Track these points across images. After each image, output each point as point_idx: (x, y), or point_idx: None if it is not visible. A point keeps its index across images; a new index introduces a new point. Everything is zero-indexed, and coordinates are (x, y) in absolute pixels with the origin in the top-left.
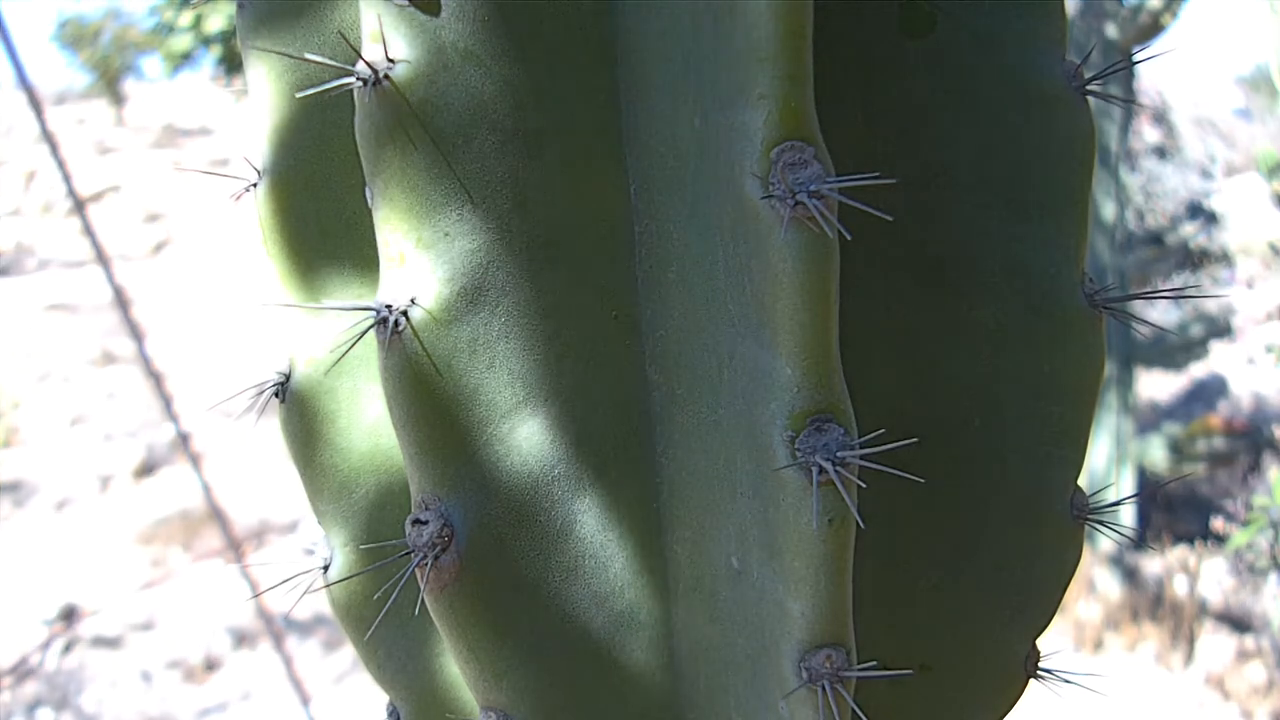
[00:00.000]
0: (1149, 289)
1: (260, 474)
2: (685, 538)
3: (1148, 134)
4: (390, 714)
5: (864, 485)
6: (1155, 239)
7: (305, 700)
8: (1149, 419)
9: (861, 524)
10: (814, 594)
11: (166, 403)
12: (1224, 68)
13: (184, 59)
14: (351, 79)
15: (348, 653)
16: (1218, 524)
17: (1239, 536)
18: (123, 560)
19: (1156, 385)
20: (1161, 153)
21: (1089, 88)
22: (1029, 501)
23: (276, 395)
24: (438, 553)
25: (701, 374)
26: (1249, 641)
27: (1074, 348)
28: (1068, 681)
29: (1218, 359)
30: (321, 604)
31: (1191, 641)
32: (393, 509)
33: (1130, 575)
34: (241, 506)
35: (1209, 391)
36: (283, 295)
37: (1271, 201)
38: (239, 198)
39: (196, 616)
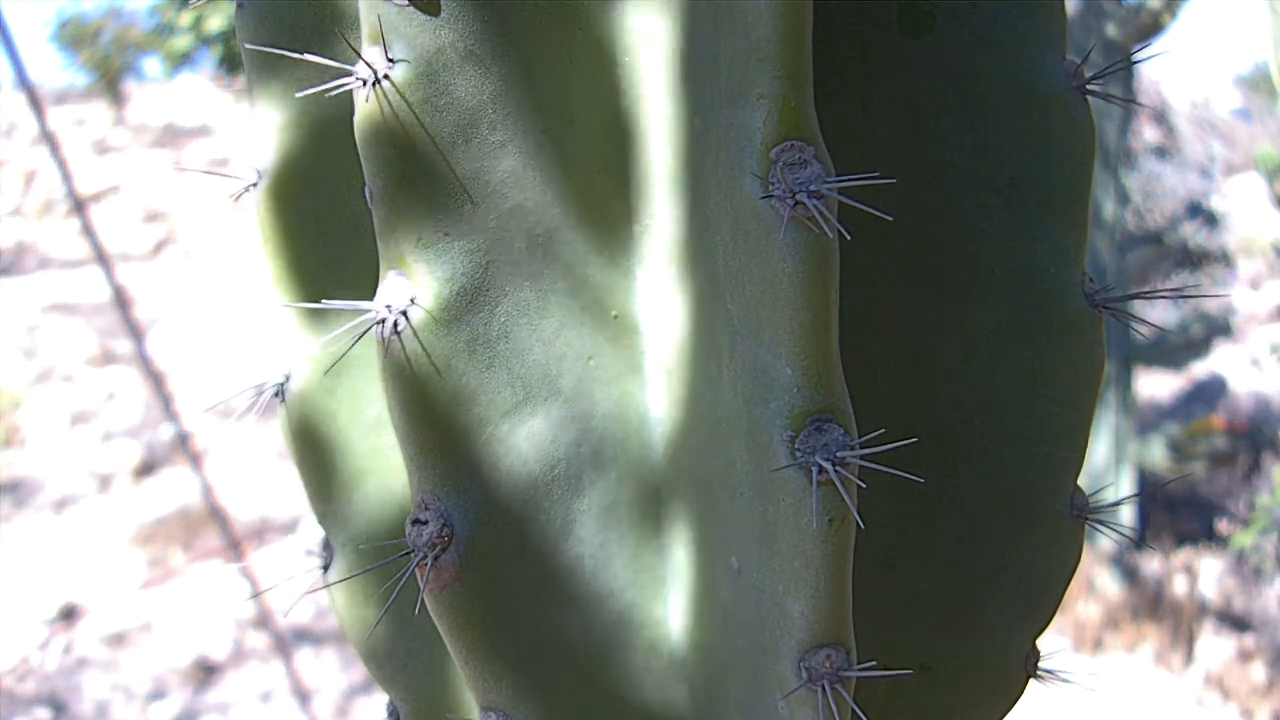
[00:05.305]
0: (1149, 289)
1: (260, 474)
2: (685, 538)
3: (1148, 134)
4: (390, 714)
5: (864, 485)
6: (1155, 239)
7: (306, 699)
8: (1149, 419)
9: (861, 524)
10: (814, 594)
11: (166, 403)
12: (1224, 68)
13: (184, 59)
14: (351, 79)
15: (348, 652)
16: (1219, 524)
17: (1242, 536)
18: (122, 560)
19: (1156, 385)
20: (1161, 153)
21: (1089, 87)
22: (1028, 501)
23: (277, 395)
24: (438, 553)
25: (701, 374)
26: (1249, 641)
27: (1074, 347)
28: (1068, 681)
29: (1219, 359)
30: (322, 603)
31: (1191, 641)
32: (393, 509)
33: (1130, 575)
34: (241, 506)
35: (1209, 392)
36: (283, 295)
37: (1271, 202)
38: (239, 198)
39: (196, 616)
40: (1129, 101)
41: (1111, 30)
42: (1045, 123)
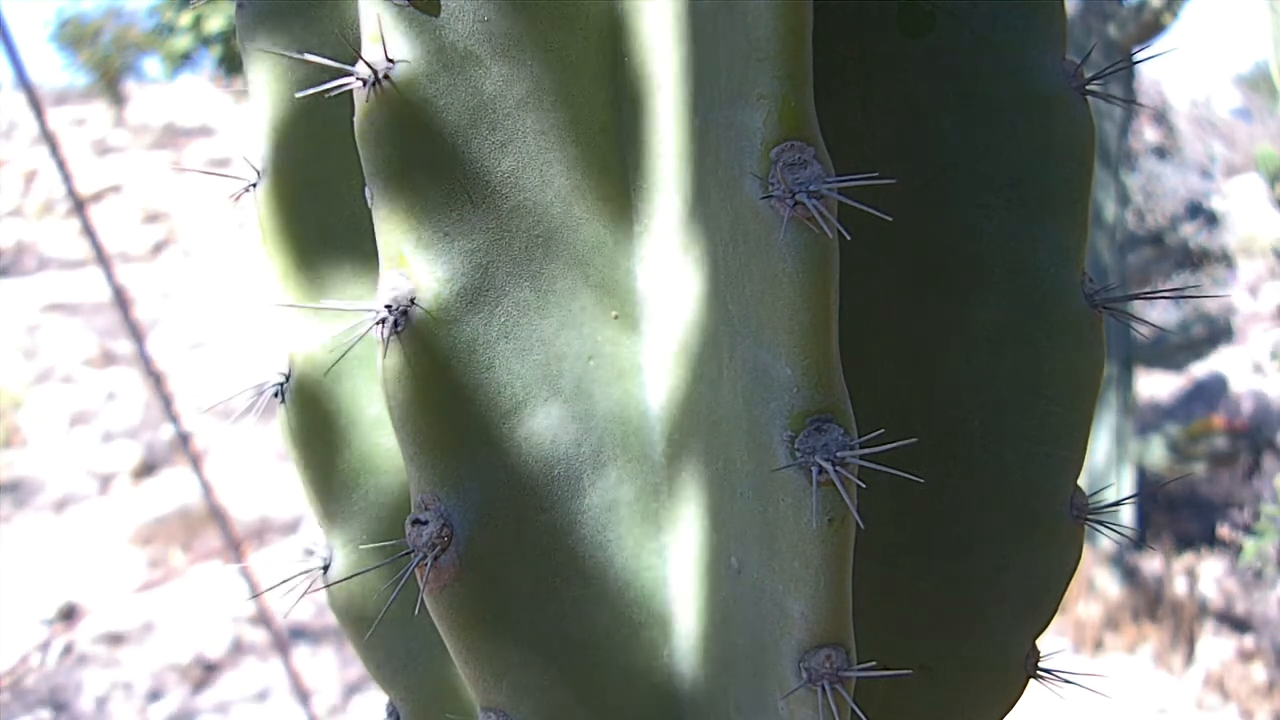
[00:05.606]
0: (1149, 289)
1: (260, 474)
2: (685, 538)
3: (1148, 134)
4: (390, 714)
5: (864, 485)
6: (1155, 239)
7: (305, 698)
8: (1149, 419)
9: (861, 524)
10: (814, 594)
11: (166, 403)
12: (1224, 68)
13: (184, 59)
14: (351, 79)
15: (346, 651)
16: (1219, 525)
17: (1249, 550)
18: (122, 560)
19: (1156, 385)
20: (1161, 153)
21: (1089, 88)
22: (1028, 501)
23: (276, 395)
24: (437, 553)
25: (701, 374)
26: (1249, 642)
27: (1074, 347)
28: (1068, 681)
29: (1219, 359)
30: (321, 602)
31: (1191, 642)
32: (393, 509)
33: (1130, 575)
34: (241, 506)
35: (1209, 392)
36: (283, 295)
37: (1271, 203)
38: (239, 198)
39: (196, 617)
40: (1129, 101)
41: (1112, 30)
42: (1045, 123)
